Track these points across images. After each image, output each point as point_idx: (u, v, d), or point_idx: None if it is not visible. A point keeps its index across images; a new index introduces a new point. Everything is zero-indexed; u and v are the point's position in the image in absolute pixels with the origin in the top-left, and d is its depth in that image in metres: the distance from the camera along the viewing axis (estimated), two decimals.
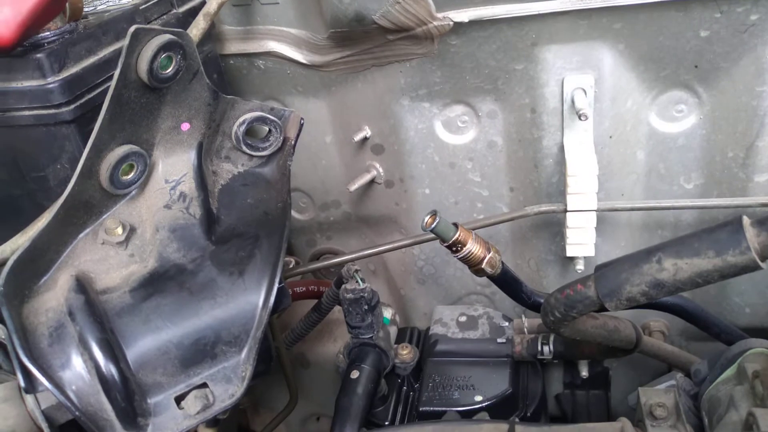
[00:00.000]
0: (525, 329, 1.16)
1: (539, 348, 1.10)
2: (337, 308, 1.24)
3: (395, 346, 1.17)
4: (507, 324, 1.18)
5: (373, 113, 1.14)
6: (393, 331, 1.28)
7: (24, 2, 0.74)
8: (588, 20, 0.94)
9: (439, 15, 0.95)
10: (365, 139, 1.16)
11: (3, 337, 0.65)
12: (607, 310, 0.78)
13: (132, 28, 0.69)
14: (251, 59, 1.14)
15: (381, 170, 1.19)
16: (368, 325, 1.10)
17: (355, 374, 1.07)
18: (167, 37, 0.72)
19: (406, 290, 1.33)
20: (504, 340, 1.14)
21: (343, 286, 1.09)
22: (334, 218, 1.31)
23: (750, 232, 0.65)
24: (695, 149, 1.06)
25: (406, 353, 1.15)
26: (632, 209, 1.07)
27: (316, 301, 1.18)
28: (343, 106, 1.16)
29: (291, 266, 1.20)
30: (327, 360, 1.32)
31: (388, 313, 1.28)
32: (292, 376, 1.17)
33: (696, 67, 0.97)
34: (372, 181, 1.20)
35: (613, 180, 1.09)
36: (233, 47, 1.13)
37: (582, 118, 0.96)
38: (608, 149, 1.05)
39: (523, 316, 1.20)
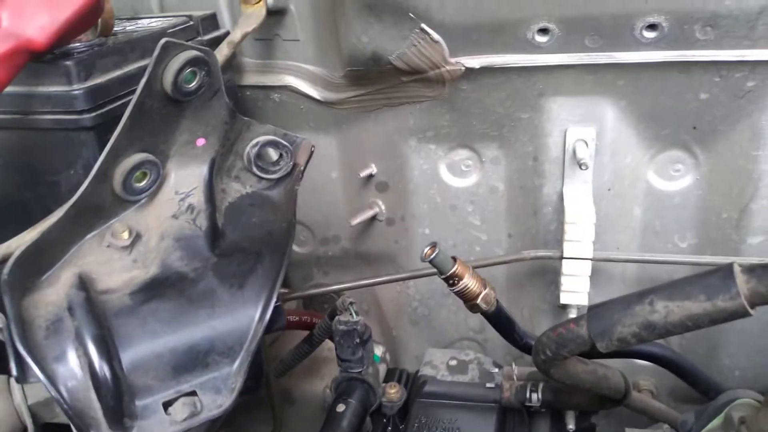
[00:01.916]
0: (515, 376, 1.16)
1: (528, 395, 1.10)
2: (327, 346, 1.24)
3: (383, 384, 1.16)
4: (497, 370, 1.18)
5: (381, 152, 1.17)
6: (382, 369, 1.27)
7: (61, 12, 0.77)
8: (594, 75, 0.98)
9: (452, 60, 0.99)
10: (371, 176, 1.19)
11: (1, 325, 0.65)
12: (599, 352, 0.79)
13: (163, 40, 0.72)
14: (267, 92, 1.18)
15: (383, 207, 1.21)
16: (358, 360, 1.10)
17: (341, 408, 1.06)
18: (194, 53, 0.75)
19: (398, 331, 1.33)
20: (493, 386, 1.14)
21: (336, 317, 1.09)
22: (333, 253, 1.32)
23: (740, 278, 0.67)
24: (690, 209, 1.08)
25: (393, 392, 1.14)
26: (627, 261, 1.09)
27: (307, 333, 1.19)
28: (352, 144, 1.19)
29: (286, 292, 1.20)
30: (313, 397, 1.31)
31: (378, 351, 1.28)
32: (279, 405, 1.15)
33: (695, 128, 1.01)
34: (374, 218, 1.23)
35: (609, 233, 1.11)
36: (252, 79, 1.17)
37: (582, 167, 0.99)
38: (606, 202, 1.08)
39: (513, 363, 1.20)
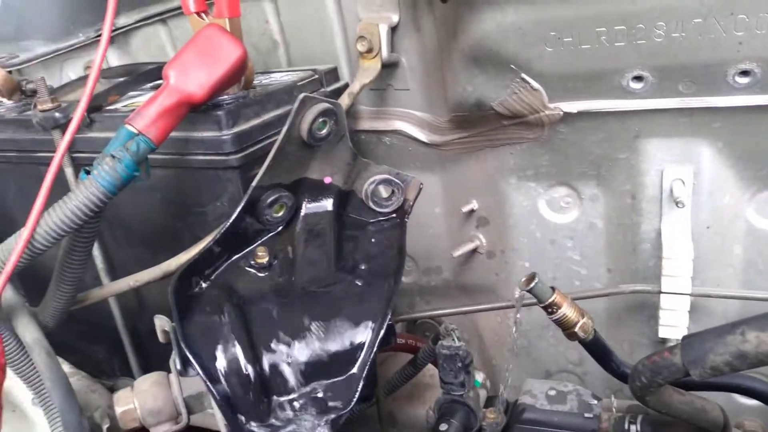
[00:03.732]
0: (613, 408, 1.18)
1: (626, 426, 1.12)
2: (428, 373, 1.32)
3: (483, 409, 1.22)
4: (596, 402, 1.21)
5: (482, 189, 1.25)
6: (483, 394, 1.33)
7: (215, 71, 0.93)
8: (689, 118, 1.02)
9: (551, 105, 1.07)
10: (472, 211, 1.28)
11: (167, 328, 0.80)
12: (694, 381, 0.82)
13: (301, 96, 0.86)
14: (380, 136, 1.30)
15: (484, 241, 1.29)
16: (460, 383, 1.17)
17: (443, 427, 1.13)
18: (326, 105, 0.89)
19: (498, 360, 1.39)
20: (591, 416, 1.16)
21: (439, 342, 1.18)
22: (435, 284, 1.41)
23: None
24: None
25: (493, 417, 1.20)
26: (724, 297, 1.10)
27: (411, 356, 1.28)
28: (455, 181, 1.29)
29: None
30: (415, 422, 1.38)
31: (479, 377, 1.34)
32: (384, 429, 1.25)
33: None
34: (474, 251, 1.31)
35: (709, 270, 1.12)
36: (366, 124, 1.30)
37: (679, 205, 1.03)
38: (705, 239, 1.10)
39: (612, 396, 1.22)
